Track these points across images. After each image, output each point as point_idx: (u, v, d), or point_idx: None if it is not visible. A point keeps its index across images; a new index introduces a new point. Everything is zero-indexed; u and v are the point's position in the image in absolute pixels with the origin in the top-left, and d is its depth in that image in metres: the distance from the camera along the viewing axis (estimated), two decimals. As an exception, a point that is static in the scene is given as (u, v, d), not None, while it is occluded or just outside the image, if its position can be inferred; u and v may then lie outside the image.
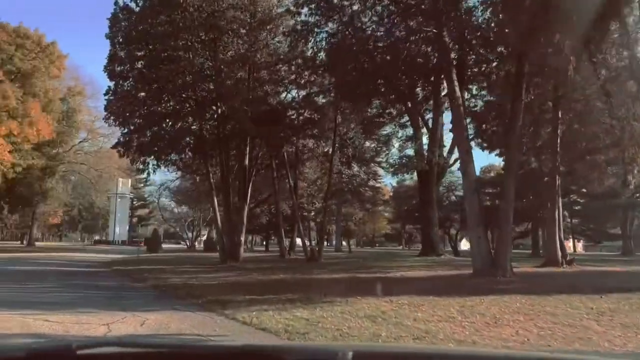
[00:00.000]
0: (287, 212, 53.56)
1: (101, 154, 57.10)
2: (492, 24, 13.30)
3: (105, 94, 20.64)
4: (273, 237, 62.92)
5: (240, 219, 22.37)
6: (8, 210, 46.22)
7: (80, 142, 53.74)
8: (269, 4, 19.69)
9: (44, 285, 12.75)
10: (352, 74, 15.65)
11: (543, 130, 19.39)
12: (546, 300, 9.31)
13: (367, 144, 29.33)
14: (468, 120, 17.95)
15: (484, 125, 20.80)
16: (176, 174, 43.40)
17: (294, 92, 21.03)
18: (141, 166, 22.11)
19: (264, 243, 53.18)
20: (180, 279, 14.99)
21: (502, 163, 24.14)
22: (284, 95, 20.41)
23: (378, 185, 44.94)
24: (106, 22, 20.14)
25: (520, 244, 52.40)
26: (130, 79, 20.11)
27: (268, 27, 19.76)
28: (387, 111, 22.97)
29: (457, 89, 13.90)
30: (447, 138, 27.77)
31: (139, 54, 19.85)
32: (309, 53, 17.41)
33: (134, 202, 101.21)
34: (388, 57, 15.54)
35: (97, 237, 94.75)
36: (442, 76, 17.19)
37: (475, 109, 20.82)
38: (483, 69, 17.31)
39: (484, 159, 55.26)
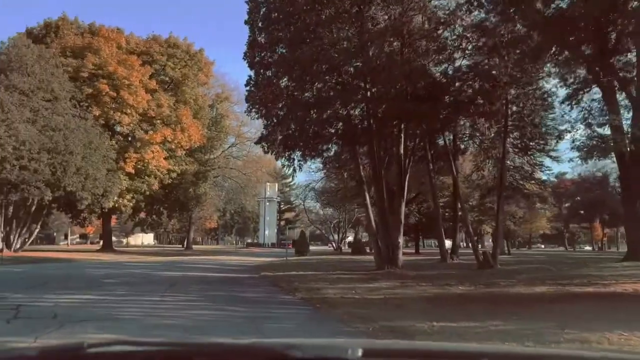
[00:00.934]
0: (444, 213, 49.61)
1: (248, 158, 58.41)
2: None
3: (246, 85, 19.04)
4: (424, 239, 58.85)
5: (396, 218, 19.27)
6: (167, 215, 48.72)
7: (229, 147, 55.40)
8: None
9: (182, 298, 10.93)
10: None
11: None
12: None
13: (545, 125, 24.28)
14: None
15: None
16: (322, 173, 41.86)
17: (456, 63, 17.32)
18: (286, 162, 20.13)
19: (414, 245, 49.51)
20: (335, 289, 12.34)
21: None
22: (445, 66, 16.87)
23: (544, 178, 38.81)
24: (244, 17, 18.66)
25: None
26: (271, 67, 18.19)
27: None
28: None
29: None
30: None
31: (280, 35, 17.82)
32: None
33: (281, 206, 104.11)
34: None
35: (249, 240, 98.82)
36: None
37: None
38: None
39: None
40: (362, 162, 20.26)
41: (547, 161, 32.25)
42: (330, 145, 18.76)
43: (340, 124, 17.32)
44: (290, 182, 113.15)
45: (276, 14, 17.65)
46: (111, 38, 38.14)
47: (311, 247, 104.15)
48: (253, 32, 18.80)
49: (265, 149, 19.81)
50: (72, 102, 33.82)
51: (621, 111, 19.20)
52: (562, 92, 20.39)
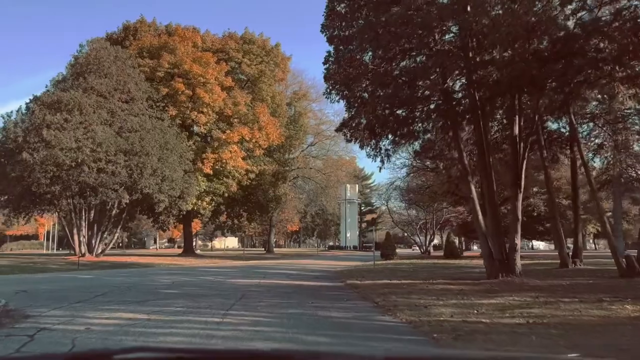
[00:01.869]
0: (541, 210, 44.40)
1: (328, 158, 56.20)
2: None
3: (324, 62, 16.37)
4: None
5: (513, 215, 15.65)
6: (247, 217, 47.45)
7: (308, 146, 53.41)
8: None
9: (249, 319, 8.36)
10: None
11: None
12: None
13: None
14: None
15: None
16: (407, 169, 38.53)
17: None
18: (372, 152, 17.21)
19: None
20: (449, 307, 9.28)
21: None
22: (579, 16, 13.10)
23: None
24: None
25: None
26: (354, 39, 15.39)
27: None
28: None
29: None
30: None
31: (362, 1, 15.03)
32: None
33: (362, 207, 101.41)
34: None
35: (330, 243, 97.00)
36: None
37: None
38: None
39: None
40: (464, 148, 16.87)
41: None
42: (427, 125, 15.56)
43: (439, 99, 14.07)
44: (371, 183, 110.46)
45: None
46: (187, 37, 37.28)
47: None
48: (331, 1, 16.16)
49: (348, 136, 17.03)
50: (149, 102, 33.08)
51: None
52: None
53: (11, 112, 32.63)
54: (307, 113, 50.04)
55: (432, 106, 14.14)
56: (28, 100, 31.73)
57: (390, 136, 16.16)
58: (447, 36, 14.93)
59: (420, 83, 14.16)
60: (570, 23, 12.19)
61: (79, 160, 27.63)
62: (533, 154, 21.58)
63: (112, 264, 26.89)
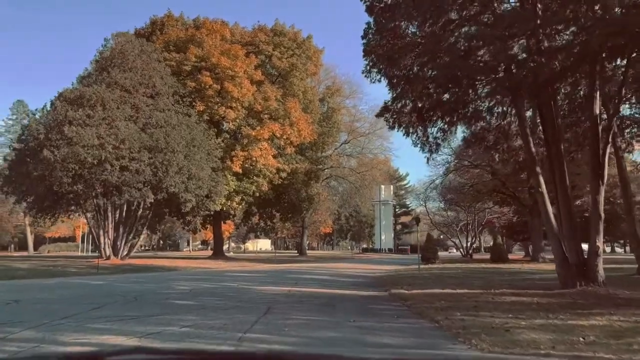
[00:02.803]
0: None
1: (363, 156, 53.85)
2: None
3: (363, 36, 14.13)
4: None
5: (593, 212, 12.96)
6: (280, 218, 45.53)
7: (342, 144, 51.17)
8: None
9: (274, 341, 6.21)
10: None
11: None
12: None
13: None
14: None
15: None
16: (449, 166, 35.84)
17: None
18: (419, 141, 14.85)
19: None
20: (535, 329, 6.96)
21: None
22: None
23: None
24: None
25: None
26: (399, 5, 13.09)
27: None
28: None
29: None
30: None
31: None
32: None
33: (396, 209, 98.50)
34: None
35: (364, 246, 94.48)
36: None
37: None
38: None
39: None
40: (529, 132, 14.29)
41: None
42: (489, 104, 13.07)
43: (503, 71, 11.56)
44: (405, 184, 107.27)
45: None
46: (215, 30, 35.64)
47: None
48: (372, -36, 13.92)
49: (390, 122, 14.72)
50: (175, 97, 31.52)
51: None
52: None
53: (36, 109, 31.52)
54: (341, 109, 47.84)
55: (492, 84, 11.66)
56: (54, 98, 30.62)
57: (440, 121, 13.79)
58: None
59: (481, 52, 11.72)
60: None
61: (102, 158, 26.18)
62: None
63: (134, 267, 25.29)
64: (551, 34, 11.05)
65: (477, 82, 12.12)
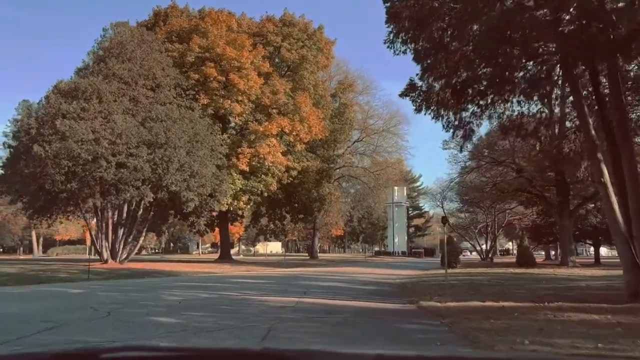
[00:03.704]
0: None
1: (375, 155, 51.56)
2: None
3: (384, 0, 11.94)
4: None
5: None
6: (290, 219, 43.35)
7: (354, 142, 48.93)
8: None
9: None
10: None
11: None
12: None
13: None
14: None
15: None
16: (469, 163, 33.46)
17: None
18: (451, 127, 12.62)
19: (593, 253, 38.71)
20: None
21: None
22: None
23: None
24: None
25: None
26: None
27: None
28: None
29: None
30: None
31: None
32: None
33: (409, 212, 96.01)
34: None
35: (376, 248, 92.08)
36: None
37: None
38: None
39: None
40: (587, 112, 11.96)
41: None
42: (542, 75, 10.75)
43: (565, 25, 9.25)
44: (418, 185, 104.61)
45: None
46: (220, 20, 33.65)
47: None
48: None
49: (417, 103, 12.52)
50: (177, 90, 29.54)
51: None
52: None
53: (31, 103, 29.66)
54: (353, 106, 45.60)
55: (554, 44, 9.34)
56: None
57: (481, 99, 11.53)
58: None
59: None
60: None
61: (97, 154, 24.25)
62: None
63: (131, 272, 23.28)
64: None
65: (535, 44, 9.79)
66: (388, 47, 11.83)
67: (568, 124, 14.94)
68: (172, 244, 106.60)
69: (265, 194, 34.05)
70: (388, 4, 11.58)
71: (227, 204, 32.00)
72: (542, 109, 13.49)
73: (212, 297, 12.27)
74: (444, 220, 18.80)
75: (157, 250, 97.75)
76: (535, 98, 12.16)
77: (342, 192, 57.23)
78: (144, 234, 29.33)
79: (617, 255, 11.09)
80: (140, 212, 28.46)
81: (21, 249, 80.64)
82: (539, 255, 54.23)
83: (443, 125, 12.70)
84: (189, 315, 9.08)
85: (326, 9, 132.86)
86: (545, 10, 8.73)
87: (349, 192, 64.37)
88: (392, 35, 11.64)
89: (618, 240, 10.80)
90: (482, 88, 10.67)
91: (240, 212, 34.81)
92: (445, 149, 32.74)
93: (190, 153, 26.78)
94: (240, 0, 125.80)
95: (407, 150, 50.89)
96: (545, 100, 12.30)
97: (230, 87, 31.23)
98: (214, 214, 33.65)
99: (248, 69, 31.11)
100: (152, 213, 30.69)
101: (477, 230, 54.31)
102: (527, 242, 32.04)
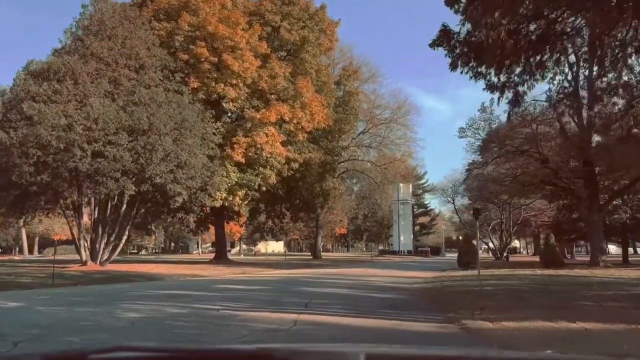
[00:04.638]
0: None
1: (382, 146, 48.47)
2: None
3: None
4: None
5: None
6: (290, 217, 40.31)
7: (360, 133, 45.88)
8: None
9: None
10: None
11: None
12: None
13: None
14: None
15: None
16: (492, 153, 30.32)
17: None
18: (494, 85, 9.59)
19: (624, 252, 35.59)
20: None
21: None
22: None
23: None
24: None
25: None
26: None
27: None
28: None
29: None
30: None
31: None
32: None
33: (414, 209, 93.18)
34: None
35: (380, 247, 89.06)
36: None
37: None
38: None
39: None
40: None
41: None
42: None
43: None
44: (423, 183, 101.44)
45: None
46: (213, -2, 30.55)
47: (447, 255, 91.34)
48: None
49: (452, 55, 9.50)
50: (164, 72, 26.54)
51: None
52: None
53: (2, 88, 26.70)
54: (359, 94, 42.49)
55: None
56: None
57: (550, 52, 8.50)
58: None
59: None
60: None
61: (71, 141, 21.29)
62: None
63: (108, 276, 20.30)
64: None
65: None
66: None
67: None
68: (172, 244, 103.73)
69: (264, 189, 31.03)
70: None
71: (221, 199, 29.00)
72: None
73: (182, 313, 9.24)
74: (476, 212, 15.77)
75: (156, 251, 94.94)
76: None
77: (346, 188, 54.21)
78: (127, 232, 26.30)
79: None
80: (124, 208, 25.47)
81: (17, 249, 78.07)
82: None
83: (486, 85, 9.67)
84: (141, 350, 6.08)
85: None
86: None
87: (352, 189, 61.37)
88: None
89: None
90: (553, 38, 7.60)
91: (236, 209, 31.77)
92: (462, 137, 29.68)
93: (177, 141, 23.80)
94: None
95: (416, 143, 47.85)
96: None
97: (223, 69, 28.21)
98: (207, 210, 30.70)
99: (243, 49, 28.05)
100: (136, 209, 27.81)
101: (490, 228, 51.19)
102: (554, 240, 28.83)
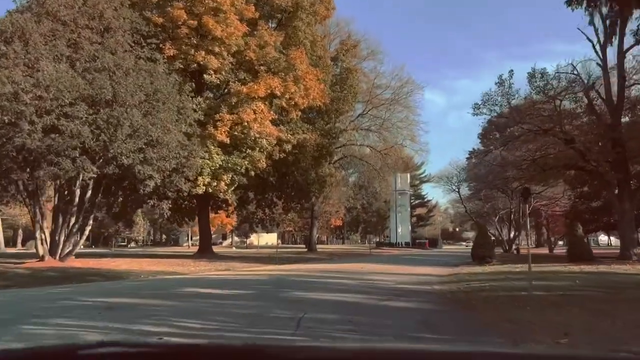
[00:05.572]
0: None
1: (384, 131, 44.98)
2: None
3: None
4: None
5: None
6: (282, 207, 36.83)
7: (359, 115, 42.40)
8: None
9: None
10: None
11: None
12: None
13: None
14: None
15: None
16: (509, 133, 26.98)
17: None
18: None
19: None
20: None
21: None
22: None
23: None
24: None
25: None
26: None
27: None
28: None
29: None
30: None
31: None
32: None
33: (412, 200, 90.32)
34: None
35: (376, 239, 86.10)
36: None
37: None
38: None
39: None
40: None
41: None
42: None
43: None
44: (420, 173, 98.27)
45: None
46: (194, -42, 26.81)
47: (445, 247, 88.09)
48: None
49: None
50: (134, 37, 22.92)
51: None
52: None
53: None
54: (357, 71, 38.93)
55: None
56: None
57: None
58: None
59: None
60: None
61: (17, 113, 17.72)
62: None
63: (62, 274, 16.82)
64: None
65: None
66: None
67: None
68: (164, 236, 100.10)
69: (252, 173, 27.50)
70: None
71: (204, 185, 25.51)
72: None
73: (133, 329, 5.79)
74: (525, 192, 12.37)
75: (147, 243, 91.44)
76: None
77: (342, 177, 50.74)
78: (90, 221, 22.73)
79: None
80: (89, 194, 21.92)
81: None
82: (561, 247, 48.02)
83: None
84: None
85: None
86: None
87: (349, 180, 58.03)
88: None
89: None
90: None
91: (222, 196, 28.26)
92: (476, 114, 26.25)
93: (148, 115, 20.25)
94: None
95: (419, 126, 44.49)
96: None
97: (204, 35, 24.62)
98: (188, 198, 27.21)
99: (227, 12, 24.43)
100: (112, 196, 24.33)
101: (497, 218, 48.06)
102: (581, 231, 25.54)
